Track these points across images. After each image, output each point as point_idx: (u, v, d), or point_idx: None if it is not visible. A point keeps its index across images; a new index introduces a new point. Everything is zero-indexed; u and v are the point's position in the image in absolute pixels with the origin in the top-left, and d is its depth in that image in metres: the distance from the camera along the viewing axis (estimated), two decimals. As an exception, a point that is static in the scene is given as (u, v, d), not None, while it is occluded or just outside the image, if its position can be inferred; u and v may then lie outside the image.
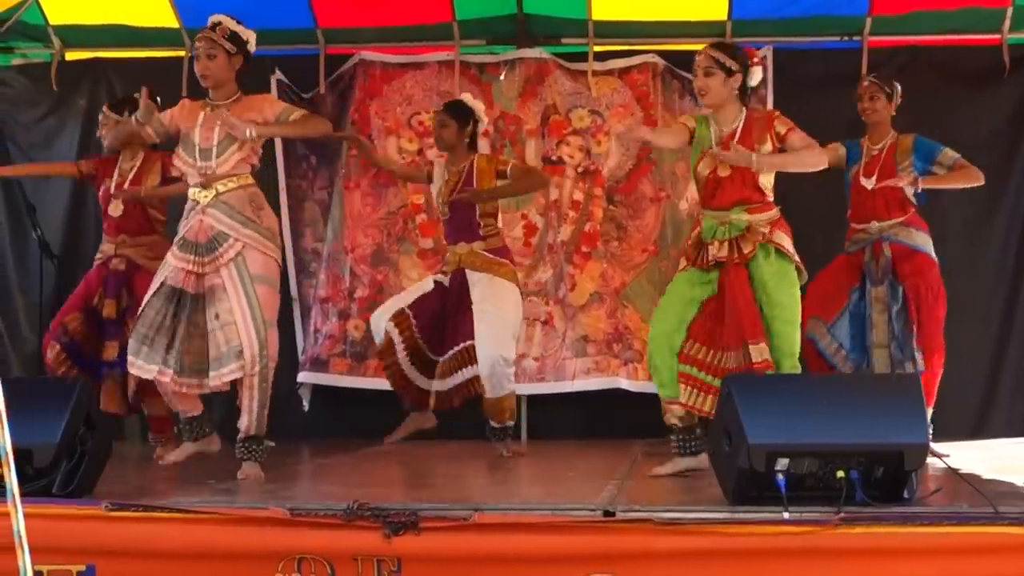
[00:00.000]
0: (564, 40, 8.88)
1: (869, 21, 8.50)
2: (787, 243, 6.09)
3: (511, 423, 7.38)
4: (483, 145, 8.64)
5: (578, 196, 8.70)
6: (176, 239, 6.19)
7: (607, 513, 4.65)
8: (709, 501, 4.99)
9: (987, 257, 8.61)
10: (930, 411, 6.85)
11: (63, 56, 8.96)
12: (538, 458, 7.54)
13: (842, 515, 4.52)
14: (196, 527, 4.77)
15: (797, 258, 6.09)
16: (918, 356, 7.22)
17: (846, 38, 8.69)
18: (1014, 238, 8.67)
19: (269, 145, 8.74)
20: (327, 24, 8.76)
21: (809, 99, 8.11)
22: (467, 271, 7.28)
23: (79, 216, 8.85)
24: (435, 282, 7.38)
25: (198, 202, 6.14)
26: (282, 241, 8.65)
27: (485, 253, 7.31)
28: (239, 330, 6.06)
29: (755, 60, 6.21)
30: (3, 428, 3.30)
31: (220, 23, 6.22)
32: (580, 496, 5.22)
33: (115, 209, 7.47)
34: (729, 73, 6.11)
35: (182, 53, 8.54)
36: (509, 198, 7.86)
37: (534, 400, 8.60)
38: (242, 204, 6.16)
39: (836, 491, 4.68)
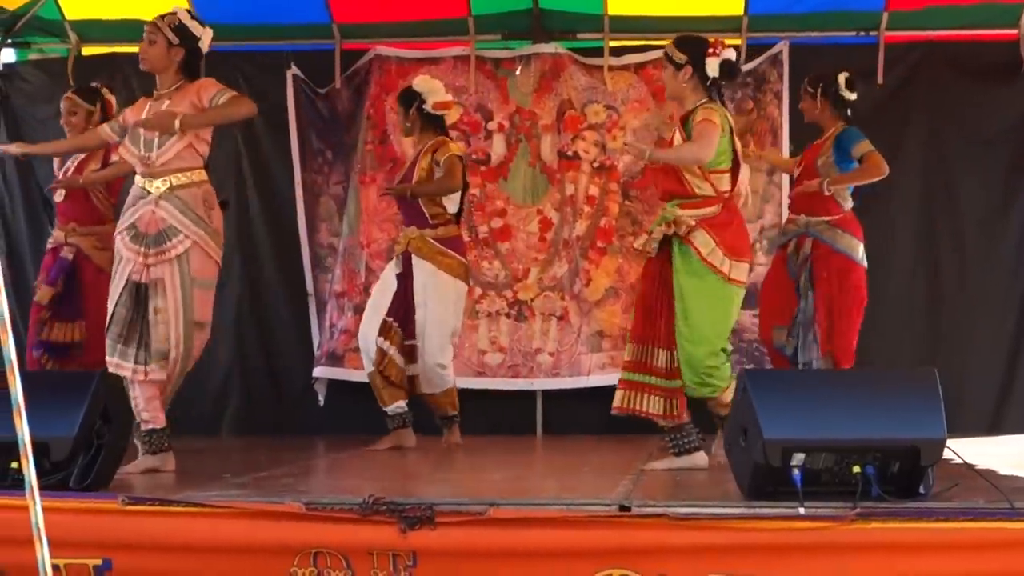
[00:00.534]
0: (580, 35, 8.88)
1: (885, 16, 8.47)
2: (708, 246, 5.99)
3: (454, 413, 7.57)
4: (498, 140, 8.68)
5: (593, 191, 8.69)
6: (124, 226, 6.22)
7: (623, 508, 4.65)
8: (725, 496, 5.00)
9: (1002, 252, 8.57)
10: None
11: (79, 51, 8.97)
12: (554, 453, 7.54)
13: (858, 510, 4.51)
14: (212, 521, 4.77)
15: (719, 265, 5.99)
16: (822, 363, 7.18)
17: (862, 33, 8.67)
18: (1030, 233, 8.65)
19: (284, 140, 8.77)
20: (343, 19, 8.77)
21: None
22: (413, 256, 7.38)
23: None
24: (396, 276, 7.45)
25: (149, 192, 6.18)
26: (297, 236, 8.77)
27: (433, 242, 7.41)
28: (170, 332, 6.11)
29: (713, 51, 6.09)
30: (21, 421, 3.31)
31: (173, 13, 6.35)
32: (596, 491, 5.22)
33: (58, 195, 7.55)
34: (677, 67, 6.11)
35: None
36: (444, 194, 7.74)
37: (549, 395, 8.60)
38: (196, 202, 6.21)
39: (852, 486, 4.67)
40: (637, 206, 8.66)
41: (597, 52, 8.76)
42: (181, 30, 6.35)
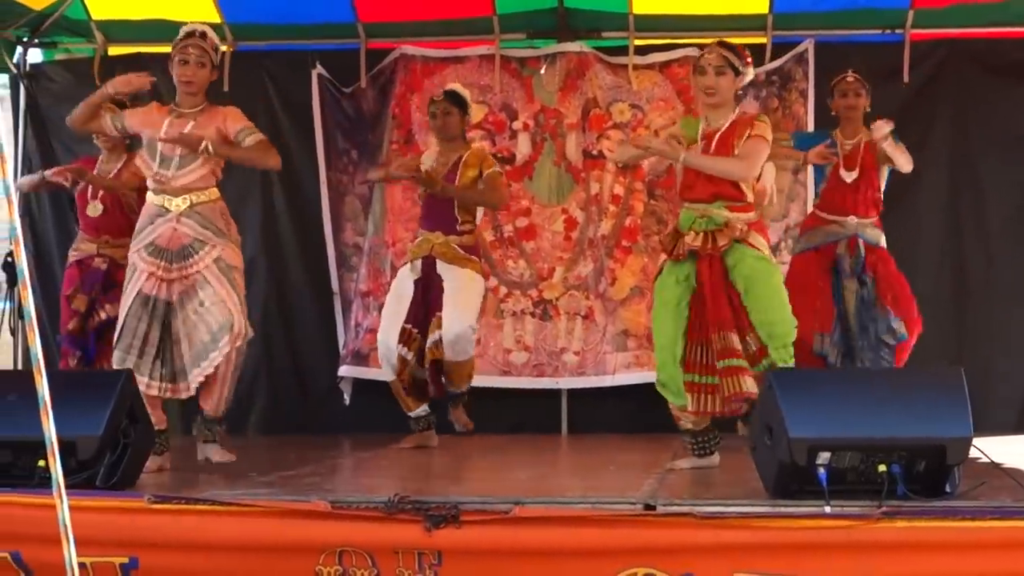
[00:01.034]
0: (605, 34, 8.87)
1: (911, 14, 8.43)
2: (764, 247, 6.10)
3: (466, 389, 7.45)
4: (523, 139, 8.68)
5: (618, 190, 8.68)
6: (141, 243, 6.28)
7: (648, 507, 4.65)
8: (750, 495, 4.99)
9: (1030, 250, 8.55)
10: None
11: (106, 51, 8.99)
12: (579, 452, 7.54)
13: (884, 509, 4.51)
14: (238, 520, 4.79)
15: (774, 260, 6.18)
16: (898, 325, 7.32)
17: (887, 31, 8.64)
18: (1056, 230, 8.61)
19: (309, 139, 8.79)
20: (368, 18, 8.76)
21: (850, 92, 8.07)
22: (438, 260, 7.33)
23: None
24: (413, 282, 7.38)
25: (168, 210, 6.24)
26: (322, 235, 8.79)
27: (457, 248, 7.36)
28: (228, 306, 6.21)
29: (749, 60, 6.20)
30: (48, 420, 3.32)
31: (207, 34, 6.39)
32: (621, 489, 5.23)
33: (94, 210, 7.62)
34: (737, 73, 6.13)
35: (224, 48, 8.57)
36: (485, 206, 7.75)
37: (574, 394, 8.59)
38: (215, 217, 6.32)
39: (878, 485, 4.67)
40: (662, 205, 8.64)
41: (622, 51, 8.74)
42: (218, 53, 6.47)
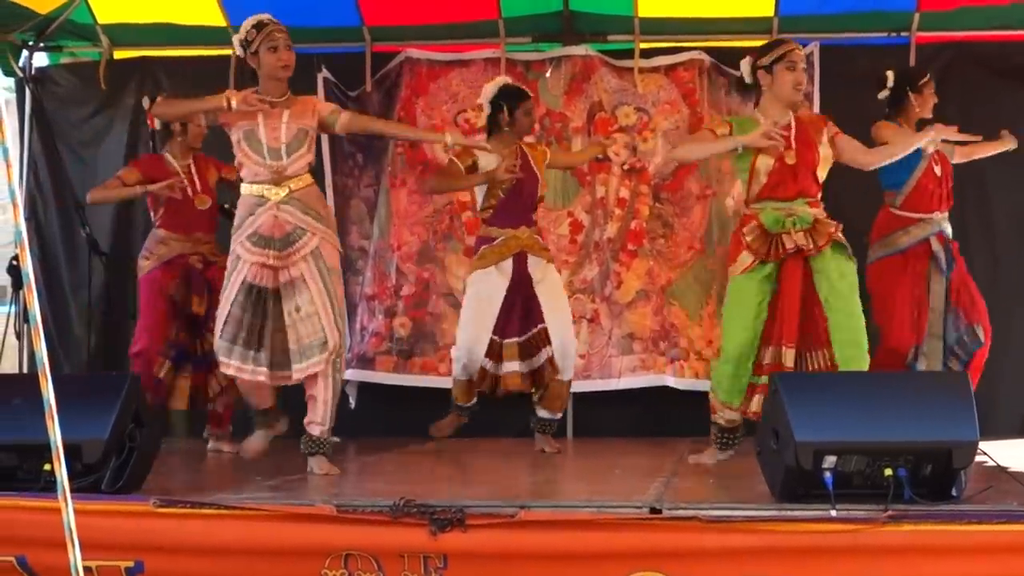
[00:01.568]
0: (610, 37, 8.86)
1: (917, 17, 8.44)
2: (848, 247, 6.19)
3: (560, 415, 7.54)
4: (530, 141, 8.68)
5: (624, 194, 8.68)
6: (243, 234, 6.23)
7: (654, 511, 4.65)
8: (756, 499, 4.98)
9: (1035, 252, 8.55)
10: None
11: (111, 55, 9.00)
12: (584, 456, 7.53)
13: (890, 513, 4.51)
14: (244, 524, 4.79)
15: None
16: (979, 331, 7.27)
17: (893, 34, 8.63)
18: (1062, 231, 8.60)
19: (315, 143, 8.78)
20: (373, 22, 8.78)
21: (856, 96, 8.04)
22: (529, 255, 7.32)
23: (127, 213, 8.86)
24: (503, 284, 7.30)
25: (268, 199, 6.19)
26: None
27: (539, 239, 7.45)
28: (322, 321, 6.19)
29: None
30: (53, 424, 3.32)
31: (276, 20, 6.39)
32: (626, 493, 5.21)
33: (202, 203, 7.57)
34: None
35: (229, 52, 8.54)
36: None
37: (580, 398, 8.57)
38: (312, 201, 6.32)
39: (884, 489, 4.66)
40: (668, 208, 8.64)
41: (627, 54, 8.74)
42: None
